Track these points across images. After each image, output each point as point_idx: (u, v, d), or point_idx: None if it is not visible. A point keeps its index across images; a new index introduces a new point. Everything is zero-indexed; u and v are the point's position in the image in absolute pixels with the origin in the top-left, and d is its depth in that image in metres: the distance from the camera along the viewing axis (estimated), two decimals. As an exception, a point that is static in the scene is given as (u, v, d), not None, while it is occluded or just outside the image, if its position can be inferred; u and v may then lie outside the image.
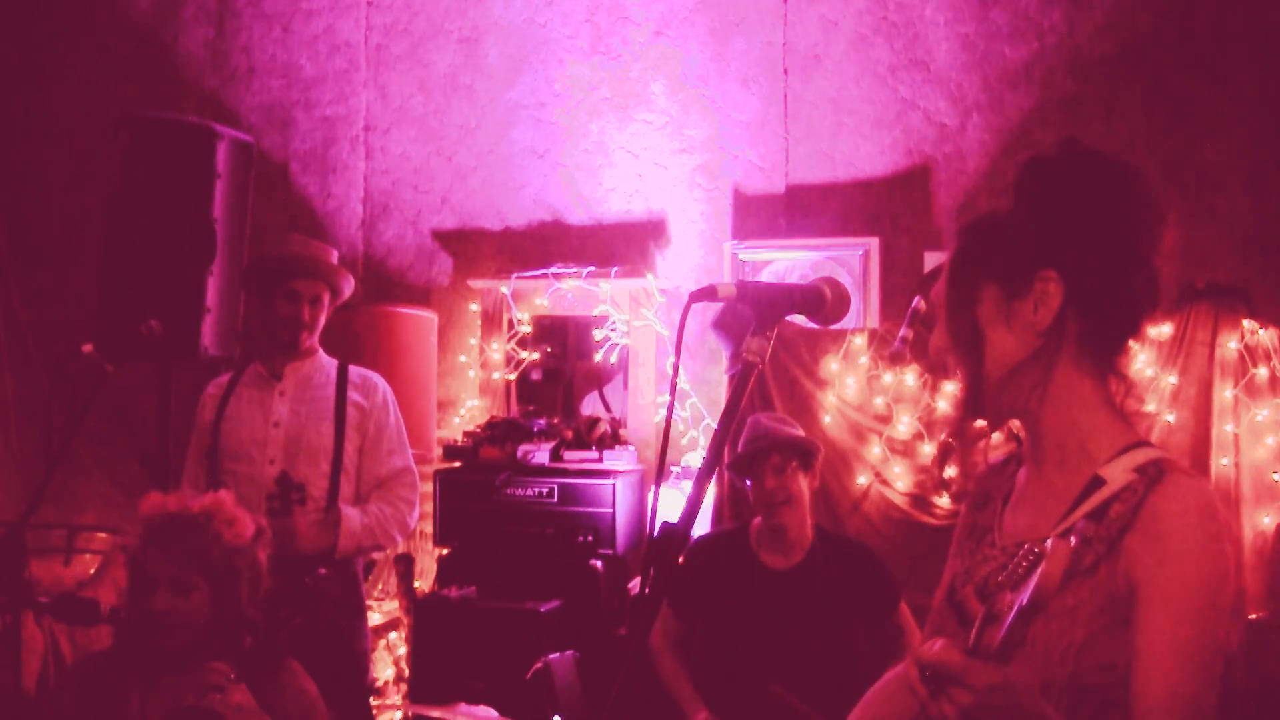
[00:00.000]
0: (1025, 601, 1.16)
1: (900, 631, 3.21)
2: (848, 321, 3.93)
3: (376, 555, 4.29)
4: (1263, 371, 3.66)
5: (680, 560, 1.42)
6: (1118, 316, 1.44)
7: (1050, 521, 1.41)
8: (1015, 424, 1.52)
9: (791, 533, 3.17)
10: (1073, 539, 1.20)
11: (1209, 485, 1.38)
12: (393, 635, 4.47)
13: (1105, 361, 1.46)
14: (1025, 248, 1.42)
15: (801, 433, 3.34)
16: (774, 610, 3.11)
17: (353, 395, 3.43)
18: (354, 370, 3.49)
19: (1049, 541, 1.18)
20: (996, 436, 3.45)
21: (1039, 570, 1.16)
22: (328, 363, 3.49)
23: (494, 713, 3.01)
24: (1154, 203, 1.43)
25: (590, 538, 4.11)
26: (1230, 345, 3.66)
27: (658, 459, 3.05)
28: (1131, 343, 1.47)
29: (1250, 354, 3.67)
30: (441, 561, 4.34)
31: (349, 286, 3.53)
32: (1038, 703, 1.25)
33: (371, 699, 3.96)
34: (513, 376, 4.76)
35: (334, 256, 3.53)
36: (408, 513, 3.45)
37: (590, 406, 4.76)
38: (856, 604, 3.17)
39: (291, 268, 3.38)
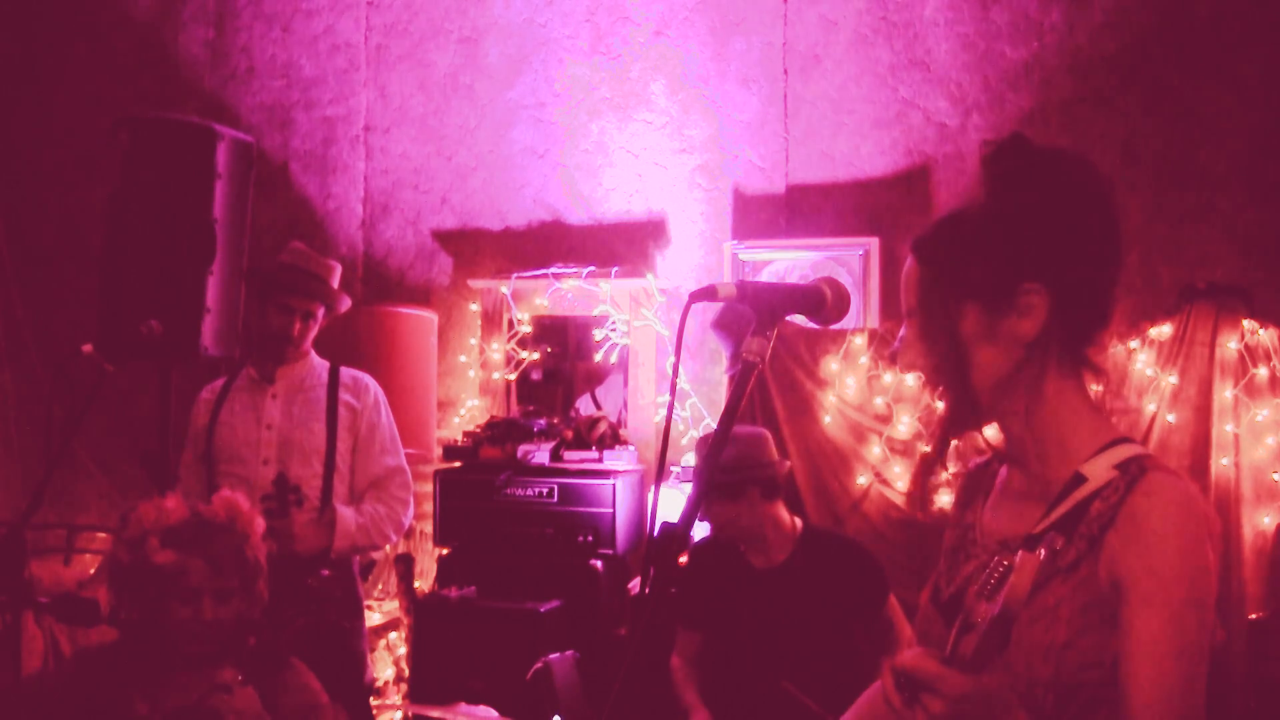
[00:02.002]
0: (996, 613, 1.19)
1: (890, 625, 3.21)
2: (848, 321, 3.93)
3: (375, 555, 4.30)
4: (1263, 371, 3.66)
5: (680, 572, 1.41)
6: (1098, 315, 1.44)
7: (1030, 520, 1.41)
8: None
9: (756, 541, 3.14)
10: (1041, 552, 1.21)
11: (1189, 481, 1.38)
12: (393, 635, 4.47)
13: (1083, 359, 1.46)
14: (1005, 263, 1.40)
15: (753, 449, 3.13)
16: (765, 609, 3.10)
17: (344, 396, 3.46)
18: (345, 371, 3.52)
19: (1018, 555, 1.20)
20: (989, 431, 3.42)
21: (1008, 583, 1.19)
22: (319, 364, 3.52)
23: (494, 713, 3.01)
24: (1111, 192, 1.42)
25: (590, 538, 4.11)
26: (1230, 345, 3.66)
27: (658, 459, 3.04)
28: (1104, 335, 1.48)
29: (1250, 354, 3.67)
30: (441, 561, 4.34)
31: (345, 304, 3.55)
32: (1011, 711, 1.25)
33: (371, 699, 3.96)
34: (513, 376, 4.76)
35: (335, 274, 3.52)
36: (402, 512, 3.47)
37: (582, 406, 4.76)
38: (846, 599, 3.15)
39: (289, 283, 3.39)
